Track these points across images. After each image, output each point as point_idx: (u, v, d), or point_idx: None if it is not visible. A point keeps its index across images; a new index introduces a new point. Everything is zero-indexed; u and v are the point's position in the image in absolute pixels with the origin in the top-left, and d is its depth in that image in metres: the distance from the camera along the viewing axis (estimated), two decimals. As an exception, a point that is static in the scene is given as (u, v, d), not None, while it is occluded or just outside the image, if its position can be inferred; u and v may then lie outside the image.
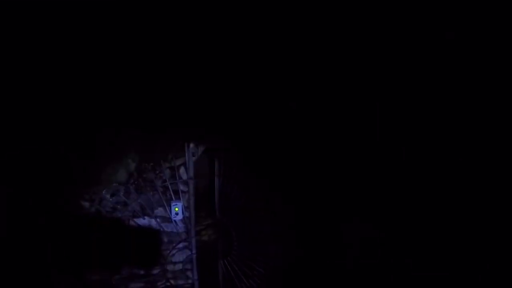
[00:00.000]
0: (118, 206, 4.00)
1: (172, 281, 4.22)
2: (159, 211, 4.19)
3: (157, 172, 4.13)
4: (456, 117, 2.44)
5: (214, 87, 2.76)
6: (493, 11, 2.23)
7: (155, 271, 4.17)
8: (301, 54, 2.58)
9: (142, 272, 4.09)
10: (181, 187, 4.24)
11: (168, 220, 4.20)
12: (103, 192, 3.92)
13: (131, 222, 4.03)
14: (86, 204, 3.86)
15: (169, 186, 4.17)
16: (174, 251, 4.21)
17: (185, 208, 4.24)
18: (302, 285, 3.51)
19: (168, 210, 4.17)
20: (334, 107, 2.80)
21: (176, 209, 4.19)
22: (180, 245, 4.23)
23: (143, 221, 4.09)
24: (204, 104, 2.91)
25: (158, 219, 4.14)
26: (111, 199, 3.96)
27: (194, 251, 4.27)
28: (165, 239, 4.19)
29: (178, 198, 4.21)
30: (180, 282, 4.28)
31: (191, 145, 4.16)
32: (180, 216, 4.20)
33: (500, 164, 2.29)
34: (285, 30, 2.46)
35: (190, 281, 4.30)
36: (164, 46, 2.47)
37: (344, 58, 2.61)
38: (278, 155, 3.24)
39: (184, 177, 4.23)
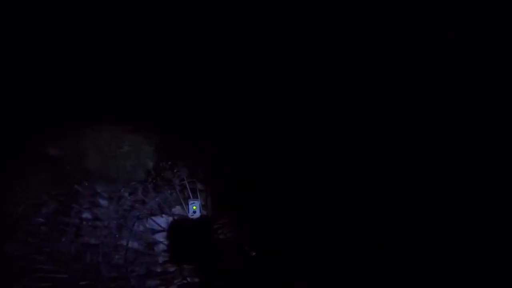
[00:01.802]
0: (136, 205, 4.14)
1: (188, 279, 4.25)
2: (177, 209, 4.25)
3: (175, 170, 4.24)
4: (456, 117, 2.42)
5: (215, 87, 2.84)
6: (493, 11, 2.21)
7: (172, 269, 4.22)
8: (301, 54, 2.63)
9: (158, 269, 4.17)
10: (199, 186, 4.29)
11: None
12: (122, 190, 4.09)
13: (149, 220, 4.14)
14: (105, 202, 4.05)
15: (187, 185, 4.23)
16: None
17: (203, 207, 4.27)
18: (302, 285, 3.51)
19: (185, 209, 4.22)
20: (334, 107, 2.83)
21: (194, 207, 4.21)
22: (197, 243, 4.27)
23: (161, 219, 4.18)
24: (204, 104, 2.99)
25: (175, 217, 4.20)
26: (129, 197, 4.12)
27: (211, 249, 4.28)
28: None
29: (195, 197, 4.25)
30: (197, 280, 4.30)
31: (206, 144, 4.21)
32: (197, 215, 4.22)
33: (500, 164, 2.25)
34: (284, 30, 2.51)
35: (206, 278, 4.31)
36: (168, 45, 2.54)
37: (344, 58, 2.64)
38: (278, 155, 3.27)
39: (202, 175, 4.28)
